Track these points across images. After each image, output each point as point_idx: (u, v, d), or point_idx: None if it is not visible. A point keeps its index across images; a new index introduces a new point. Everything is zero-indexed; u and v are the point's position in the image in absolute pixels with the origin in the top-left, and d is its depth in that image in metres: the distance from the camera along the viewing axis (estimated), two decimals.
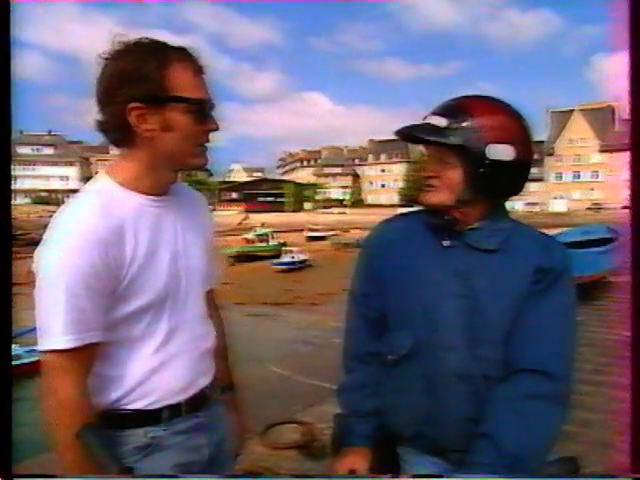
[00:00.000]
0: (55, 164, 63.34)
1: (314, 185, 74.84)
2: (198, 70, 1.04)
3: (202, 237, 1.19)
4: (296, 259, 24.99)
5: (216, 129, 1.07)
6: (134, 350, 1.07)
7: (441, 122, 1.10)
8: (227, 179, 79.84)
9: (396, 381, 1.19)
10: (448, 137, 1.08)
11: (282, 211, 60.20)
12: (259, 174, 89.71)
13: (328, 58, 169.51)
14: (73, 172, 64.42)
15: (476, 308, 1.09)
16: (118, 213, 1.02)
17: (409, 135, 1.16)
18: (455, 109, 1.11)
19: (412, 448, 1.20)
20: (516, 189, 1.14)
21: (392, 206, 62.07)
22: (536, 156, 1.30)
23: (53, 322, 0.97)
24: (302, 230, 38.46)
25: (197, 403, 1.16)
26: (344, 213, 58.74)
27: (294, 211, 62.24)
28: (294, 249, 27.36)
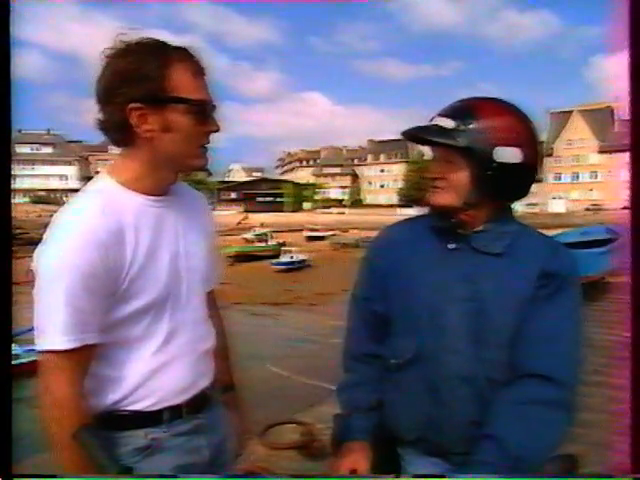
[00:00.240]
0: (54, 163, 63.28)
1: (313, 185, 74.85)
2: (199, 71, 1.04)
3: (203, 237, 1.18)
4: (295, 259, 24.98)
5: (217, 130, 1.07)
6: (134, 351, 1.06)
7: (448, 123, 1.09)
8: (226, 179, 79.84)
9: (399, 385, 1.18)
10: (455, 139, 1.08)
11: (281, 211, 60.17)
12: (258, 174, 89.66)
13: (327, 58, 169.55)
14: (72, 171, 64.37)
15: (482, 311, 1.09)
16: (119, 213, 1.02)
17: (416, 136, 1.16)
18: (462, 111, 1.10)
19: (414, 450, 1.19)
20: (523, 192, 1.14)
21: (391, 206, 62.16)
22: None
23: (51, 322, 0.97)
24: (301, 230, 38.45)
25: (197, 404, 1.15)
26: (343, 213, 58.76)
27: (293, 211, 62.21)
28: (293, 249, 27.36)
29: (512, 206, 1.19)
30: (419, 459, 1.18)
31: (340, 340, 1.33)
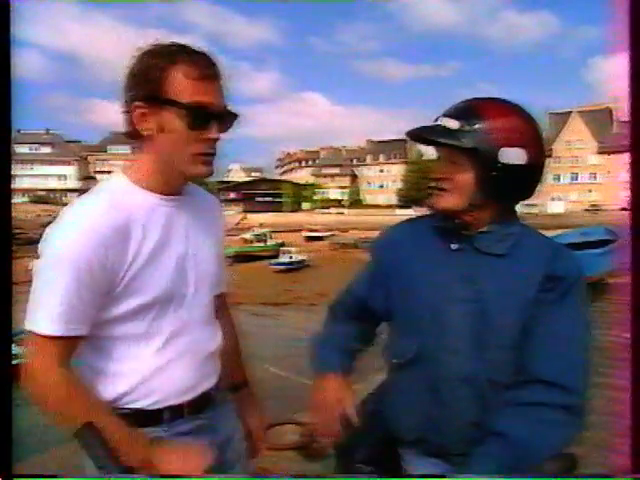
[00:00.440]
0: (53, 163, 63.24)
1: (312, 185, 74.83)
2: (205, 76, 1.00)
3: (214, 240, 1.19)
4: (294, 259, 25.00)
5: (214, 138, 1.03)
6: (136, 348, 1.07)
7: (453, 124, 1.08)
8: (225, 179, 79.74)
9: (400, 385, 1.18)
10: (461, 140, 1.07)
11: (280, 211, 60.20)
12: (257, 174, 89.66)
13: (327, 58, 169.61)
14: (71, 171, 64.36)
15: (484, 312, 1.08)
16: (127, 211, 1.03)
17: (420, 136, 1.15)
18: (468, 111, 1.09)
19: (414, 450, 1.19)
20: (527, 193, 1.13)
21: (390, 206, 62.17)
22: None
23: (42, 305, 0.98)
24: (300, 230, 38.47)
25: (200, 405, 1.15)
26: (342, 213, 58.79)
27: (292, 211, 62.23)
28: (292, 249, 27.36)
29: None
30: (419, 459, 1.17)
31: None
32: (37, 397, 0.99)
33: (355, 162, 77.17)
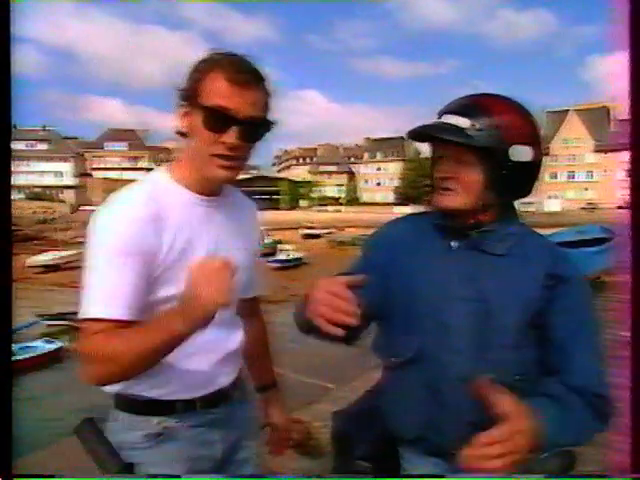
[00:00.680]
0: (49, 160, 62.80)
1: (309, 183, 74.75)
2: (235, 83, 1.02)
3: (246, 244, 1.21)
4: (291, 257, 25.00)
5: (231, 143, 1.03)
6: None
7: (463, 122, 1.05)
8: None
9: (399, 383, 1.16)
10: (472, 138, 1.04)
11: (277, 209, 60.04)
12: (254, 171, 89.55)
13: (324, 56, 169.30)
14: (67, 168, 63.93)
15: (485, 311, 1.06)
16: (164, 204, 1.07)
17: (425, 135, 1.12)
18: (475, 109, 1.06)
19: (413, 449, 1.18)
20: (528, 190, 1.12)
21: (387, 204, 62.18)
22: None
23: (101, 293, 1.01)
24: (297, 228, 38.43)
25: (214, 400, 1.18)
26: (339, 211, 58.73)
27: (289, 209, 62.14)
28: (289, 247, 27.35)
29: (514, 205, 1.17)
30: (419, 458, 1.16)
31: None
32: (109, 372, 1.00)
33: (352, 160, 77.14)
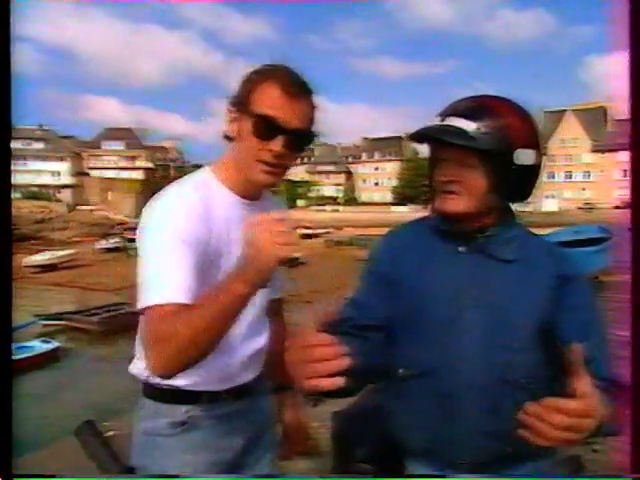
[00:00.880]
0: (46, 159, 62.64)
1: (307, 182, 74.78)
2: (285, 94, 1.07)
3: None
4: None
5: (277, 151, 1.08)
6: None
7: (468, 125, 1.03)
8: None
9: (408, 394, 1.11)
10: (478, 141, 1.02)
11: None
12: None
13: (322, 55, 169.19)
14: (64, 167, 63.76)
15: (498, 316, 1.04)
16: (210, 201, 1.12)
17: (428, 137, 1.10)
18: (480, 111, 1.04)
19: (420, 461, 1.13)
20: (529, 193, 1.12)
21: (385, 204, 62.25)
22: None
23: (164, 279, 1.00)
24: (295, 228, 38.34)
25: (238, 393, 1.22)
26: (337, 211, 58.77)
27: (287, 208, 62.03)
28: None
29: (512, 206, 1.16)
30: (425, 471, 1.11)
31: None
32: (176, 355, 0.95)
33: (350, 159, 77.17)
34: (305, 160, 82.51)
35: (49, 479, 0.99)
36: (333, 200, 70.41)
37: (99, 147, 69.16)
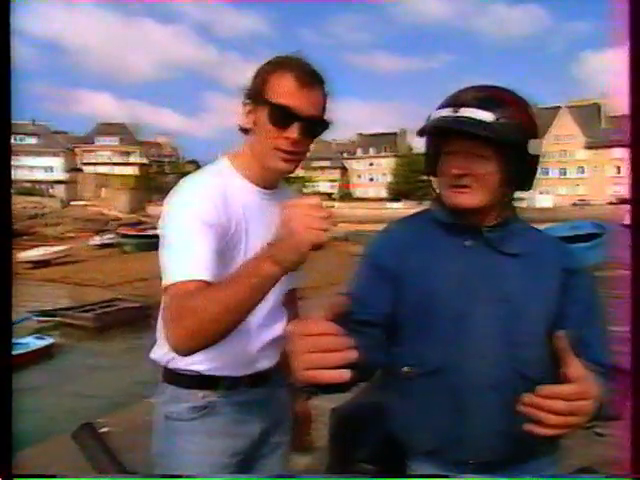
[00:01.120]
0: (39, 154, 62.11)
1: (302, 178, 74.66)
2: (299, 83, 1.11)
3: None
4: None
5: (294, 138, 1.11)
6: None
7: (487, 116, 0.99)
8: None
9: (414, 394, 1.07)
10: (499, 132, 0.99)
11: None
12: None
13: (317, 50, 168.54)
14: (57, 163, 63.36)
15: (509, 312, 1.02)
16: (229, 189, 1.15)
17: (441, 129, 1.05)
18: (492, 101, 1.01)
19: (426, 461, 1.09)
20: (531, 184, 1.10)
21: (380, 200, 62.25)
22: None
23: (187, 258, 1.03)
24: None
25: (256, 381, 1.25)
26: (332, 207, 58.76)
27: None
28: None
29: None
30: (431, 471, 1.09)
31: None
32: (198, 330, 0.94)
33: (345, 155, 77.08)
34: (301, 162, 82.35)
35: (49, 479, 0.98)
36: (328, 196, 70.39)
37: (93, 142, 68.68)
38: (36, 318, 13.55)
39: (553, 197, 55.98)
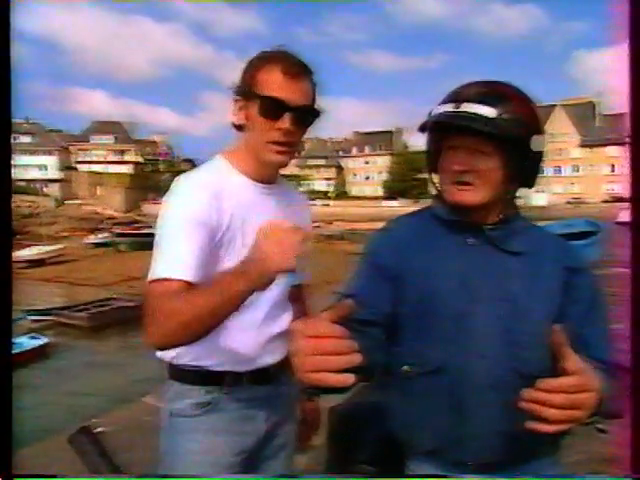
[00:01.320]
0: (33, 153, 61.70)
1: (298, 177, 74.58)
2: (287, 75, 1.12)
3: None
4: None
5: (285, 128, 1.13)
6: None
7: (490, 112, 0.97)
8: None
9: (414, 393, 1.06)
10: (502, 128, 0.97)
11: None
12: None
13: (313, 49, 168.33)
14: (52, 161, 62.94)
15: (512, 311, 1.01)
16: (223, 187, 1.16)
17: (446, 125, 1.02)
18: (494, 97, 1.00)
19: (425, 462, 1.08)
20: (534, 181, 1.08)
21: (376, 198, 62.28)
22: None
23: (175, 256, 1.05)
24: None
25: (260, 377, 1.24)
26: (328, 205, 58.71)
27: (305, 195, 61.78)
28: None
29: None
30: (430, 472, 1.08)
31: None
32: (171, 331, 0.98)
33: (341, 153, 77.06)
34: (296, 154, 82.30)
35: (49, 479, 0.97)
36: (324, 194, 70.34)
37: (88, 141, 68.34)
38: (31, 318, 13.50)
39: (548, 195, 56.21)
